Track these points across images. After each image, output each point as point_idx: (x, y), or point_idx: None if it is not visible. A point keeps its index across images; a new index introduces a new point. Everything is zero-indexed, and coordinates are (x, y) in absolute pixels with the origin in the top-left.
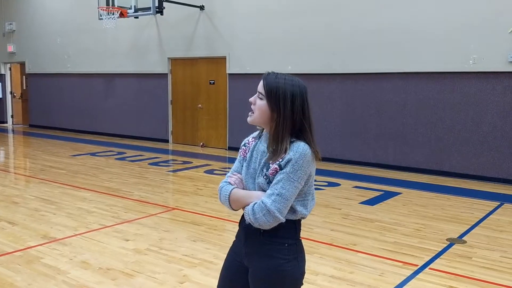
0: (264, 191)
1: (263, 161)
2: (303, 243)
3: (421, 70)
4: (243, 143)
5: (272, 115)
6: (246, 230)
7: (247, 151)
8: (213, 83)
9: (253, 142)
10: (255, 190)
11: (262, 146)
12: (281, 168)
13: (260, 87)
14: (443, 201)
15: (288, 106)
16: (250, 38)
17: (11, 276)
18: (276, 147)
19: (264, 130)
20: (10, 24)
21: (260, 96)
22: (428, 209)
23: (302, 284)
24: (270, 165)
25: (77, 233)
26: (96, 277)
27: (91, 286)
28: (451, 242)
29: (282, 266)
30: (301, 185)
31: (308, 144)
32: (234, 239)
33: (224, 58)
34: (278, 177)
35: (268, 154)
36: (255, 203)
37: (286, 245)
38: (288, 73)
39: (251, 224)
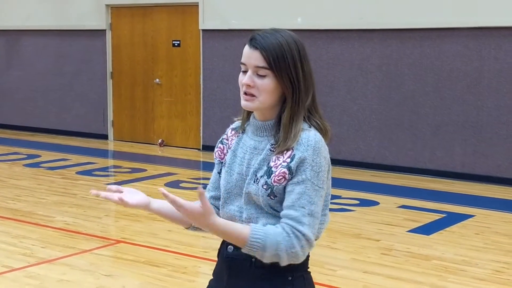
0: (255, 204)
1: (257, 161)
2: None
3: (504, 24)
4: (219, 140)
5: (284, 93)
6: (229, 262)
7: (225, 151)
8: (178, 45)
9: (235, 138)
10: (241, 203)
11: (251, 140)
12: (291, 172)
13: (257, 58)
14: None
15: (300, 74)
16: None
17: None
18: (289, 132)
19: (254, 117)
20: None
21: (261, 72)
22: None
23: None
24: (273, 168)
25: None
26: None
27: None
28: None
29: None
30: (325, 191)
31: (316, 125)
32: (211, 277)
33: (195, 6)
34: (297, 188)
35: (274, 147)
36: (282, 233)
37: (290, 278)
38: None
39: (279, 258)
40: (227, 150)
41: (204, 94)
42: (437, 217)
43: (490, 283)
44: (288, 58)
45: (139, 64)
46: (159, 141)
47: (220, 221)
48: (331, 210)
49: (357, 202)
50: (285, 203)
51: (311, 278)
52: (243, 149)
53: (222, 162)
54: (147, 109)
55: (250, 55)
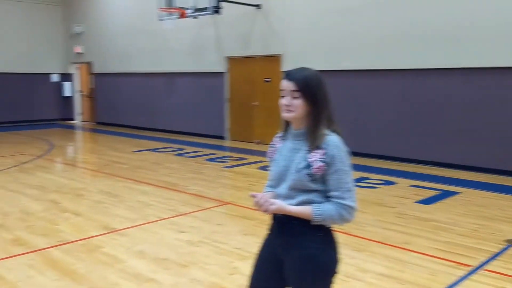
0: (301, 189)
1: (298, 158)
2: (353, 240)
3: (485, 65)
4: (270, 145)
5: (309, 109)
6: (279, 222)
7: (274, 151)
8: (269, 81)
9: (279, 143)
10: (286, 186)
11: (291, 143)
12: (327, 165)
13: (291, 86)
14: (504, 202)
15: (321, 96)
16: (305, 36)
17: (73, 264)
18: (315, 132)
19: (291, 128)
20: (78, 26)
21: (295, 95)
22: (488, 209)
23: (336, 272)
24: (312, 163)
25: (135, 225)
26: (151, 267)
27: (146, 275)
28: (510, 244)
29: (317, 255)
30: (352, 171)
31: (335, 130)
32: (268, 231)
33: (279, 56)
34: (333, 176)
35: (307, 144)
36: (333, 207)
37: (320, 234)
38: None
39: (336, 223)
40: (276, 152)
41: None
42: (435, 193)
43: (469, 238)
44: (313, 85)
45: (244, 93)
46: (257, 141)
47: (291, 208)
48: (363, 187)
49: (381, 182)
50: (329, 187)
51: (334, 234)
52: (287, 149)
53: (273, 159)
54: (249, 120)
55: (287, 84)
